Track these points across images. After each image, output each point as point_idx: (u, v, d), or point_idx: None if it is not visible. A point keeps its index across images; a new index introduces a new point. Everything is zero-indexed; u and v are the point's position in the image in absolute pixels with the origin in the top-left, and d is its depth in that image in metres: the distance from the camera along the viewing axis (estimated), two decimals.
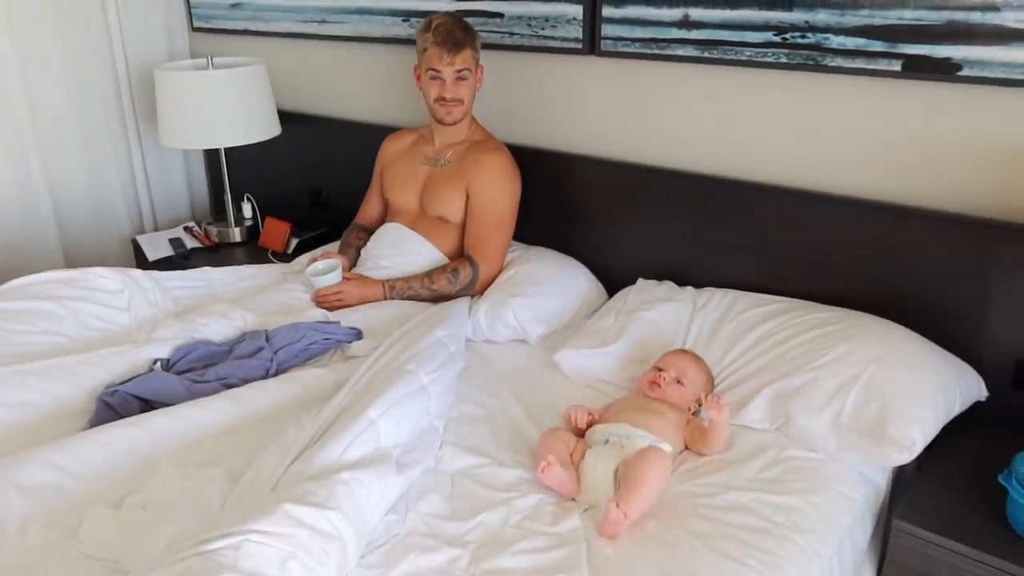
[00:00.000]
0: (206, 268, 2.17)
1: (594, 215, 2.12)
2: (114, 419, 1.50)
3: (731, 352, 1.70)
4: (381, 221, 2.25)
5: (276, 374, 1.67)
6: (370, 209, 2.32)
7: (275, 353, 1.69)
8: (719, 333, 1.75)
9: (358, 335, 1.81)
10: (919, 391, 1.44)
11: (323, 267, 2.08)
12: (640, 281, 2.00)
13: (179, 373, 1.66)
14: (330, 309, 2.00)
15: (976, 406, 1.60)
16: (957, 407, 1.51)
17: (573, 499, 1.38)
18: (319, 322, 1.81)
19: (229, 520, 1.14)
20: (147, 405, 1.57)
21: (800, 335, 1.64)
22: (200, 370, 1.67)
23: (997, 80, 1.49)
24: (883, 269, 1.70)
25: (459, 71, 1.96)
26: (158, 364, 1.68)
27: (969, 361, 1.62)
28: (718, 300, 1.84)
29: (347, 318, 1.88)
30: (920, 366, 1.49)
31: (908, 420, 1.39)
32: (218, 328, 1.82)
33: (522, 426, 1.59)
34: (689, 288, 1.94)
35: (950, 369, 1.54)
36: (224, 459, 1.39)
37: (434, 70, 1.97)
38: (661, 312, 1.84)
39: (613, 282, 2.08)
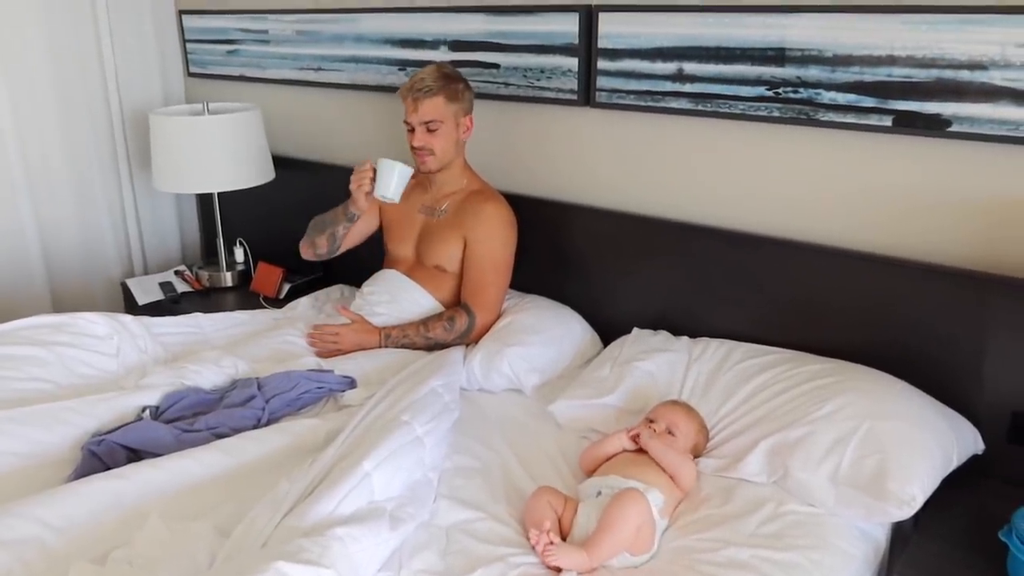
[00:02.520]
0: (197, 314, 2.16)
1: (590, 264, 2.12)
2: (100, 469, 1.47)
3: (727, 404, 1.69)
4: (360, 241, 2.24)
5: (268, 423, 1.65)
6: (355, 232, 2.20)
7: (267, 402, 1.67)
8: (715, 384, 1.75)
9: (351, 384, 1.79)
10: (917, 445, 1.43)
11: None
12: (635, 331, 2.00)
13: (168, 422, 1.63)
14: (325, 356, 1.98)
15: (973, 460, 1.59)
16: (955, 461, 1.50)
17: None
18: (312, 370, 1.79)
19: None
20: (134, 455, 1.54)
21: (796, 387, 1.63)
22: (190, 419, 1.64)
23: (986, 136, 1.52)
24: (878, 321, 1.71)
25: (426, 122, 1.96)
26: (147, 412, 1.66)
27: (965, 414, 1.62)
28: (713, 350, 1.84)
29: (340, 366, 1.86)
30: (917, 419, 1.49)
31: (907, 475, 1.38)
32: (209, 376, 1.80)
33: (517, 478, 1.57)
34: (685, 338, 1.94)
35: (947, 422, 1.53)
36: (213, 512, 1.36)
37: (406, 120, 1.99)
38: (657, 363, 1.83)
39: (608, 331, 2.08)
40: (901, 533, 1.54)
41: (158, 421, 1.63)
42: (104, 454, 1.52)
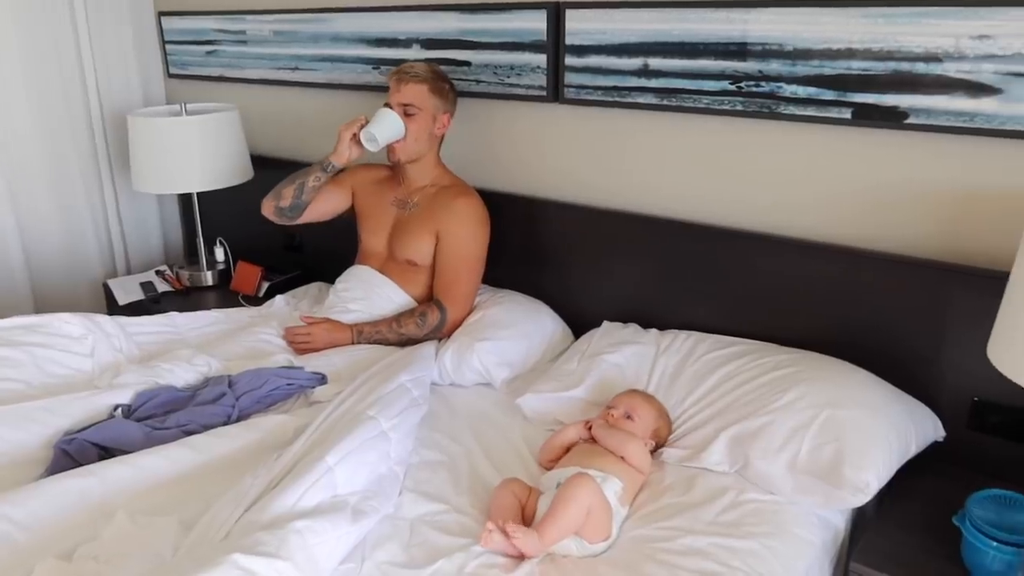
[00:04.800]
0: (172, 313, 2.17)
1: (561, 258, 2.14)
2: (72, 467, 1.48)
3: (692, 395, 1.71)
4: (324, 216, 2.22)
5: (238, 420, 1.66)
6: (322, 201, 2.18)
7: (237, 399, 1.69)
8: (681, 376, 1.77)
9: (322, 380, 1.81)
10: (873, 433, 1.45)
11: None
12: (605, 324, 2.02)
13: (140, 420, 1.65)
14: (297, 353, 2.00)
15: (934, 447, 1.62)
16: (913, 448, 1.52)
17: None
18: (283, 367, 1.81)
19: (178, 570, 1.13)
20: (106, 453, 1.56)
21: (759, 377, 1.65)
22: (161, 417, 1.66)
23: (942, 128, 1.53)
24: (842, 311, 1.73)
25: (405, 104, 1.99)
26: (119, 411, 1.67)
27: (926, 402, 1.64)
28: (681, 342, 1.86)
29: (312, 363, 1.88)
30: (875, 408, 1.50)
31: (862, 462, 1.40)
32: (182, 374, 1.81)
33: (483, 471, 1.59)
34: (653, 330, 1.95)
35: (906, 410, 1.55)
36: (179, 508, 1.37)
37: (387, 103, 2.02)
38: (625, 355, 1.85)
39: (581, 324, 2.10)
40: (864, 519, 1.56)
41: (130, 419, 1.65)
42: (75, 452, 1.54)
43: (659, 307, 2.00)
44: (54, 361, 1.86)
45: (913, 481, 1.57)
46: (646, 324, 2.00)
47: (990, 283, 1.49)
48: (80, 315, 1.97)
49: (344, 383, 1.79)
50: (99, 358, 1.91)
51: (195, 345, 2.04)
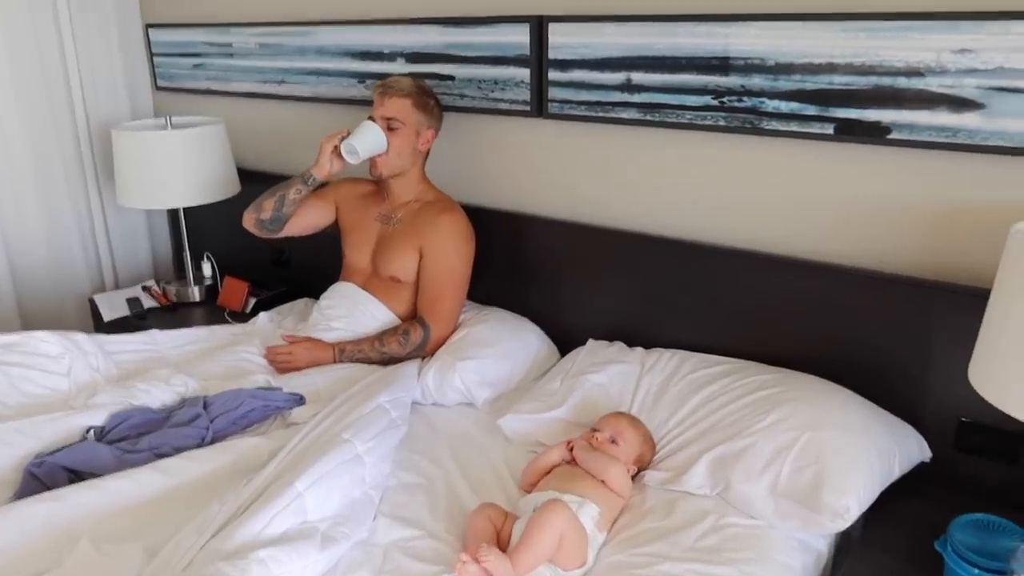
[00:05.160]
0: (153, 331, 2.15)
1: (548, 275, 2.12)
2: (41, 491, 1.46)
3: (676, 415, 1.68)
4: (307, 230, 2.20)
5: (212, 442, 1.64)
6: (304, 215, 2.15)
7: (212, 421, 1.66)
8: (665, 396, 1.74)
9: (300, 401, 1.78)
10: (855, 456, 1.42)
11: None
12: (590, 342, 1.99)
13: (113, 442, 1.63)
14: (279, 372, 1.98)
15: (921, 468, 1.59)
16: (897, 471, 1.49)
17: None
18: (260, 388, 1.78)
19: None
20: (76, 476, 1.53)
21: (743, 398, 1.62)
22: (134, 439, 1.63)
23: (925, 143, 1.51)
24: (826, 329, 1.70)
25: (388, 118, 1.98)
26: (91, 432, 1.65)
27: (913, 422, 1.61)
28: (666, 361, 1.83)
29: (292, 383, 1.85)
30: (857, 430, 1.47)
31: (842, 486, 1.37)
32: (158, 394, 1.79)
33: (461, 494, 1.56)
34: (639, 349, 1.93)
35: (890, 432, 1.52)
36: (147, 533, 1.35)
37: (370, 116, 2.00)
38: (608, 374, 1.82)
39: (568, 342, 2.07)
40: (849, 543, 1.53)
41: (102, 441, 1.63)
42: (45, 476, 1.51)
43: (645, 324, 1.97)
44: (30, 380, 1.84)
45: (899, 503, 1.54)
46: (633, 341, 1.98)
47: (975, 301, 1.46)
48: (58, 333, 1.95)
49: (323, 403, 1.77)
50: (76, 377, 1.89)
51: (175, 363, 2.02)
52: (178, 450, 1.59)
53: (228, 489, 1.44)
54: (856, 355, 1.67)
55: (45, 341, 1.93)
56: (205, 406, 1.70)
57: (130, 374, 1.95)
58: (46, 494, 1.41)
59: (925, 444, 1.59)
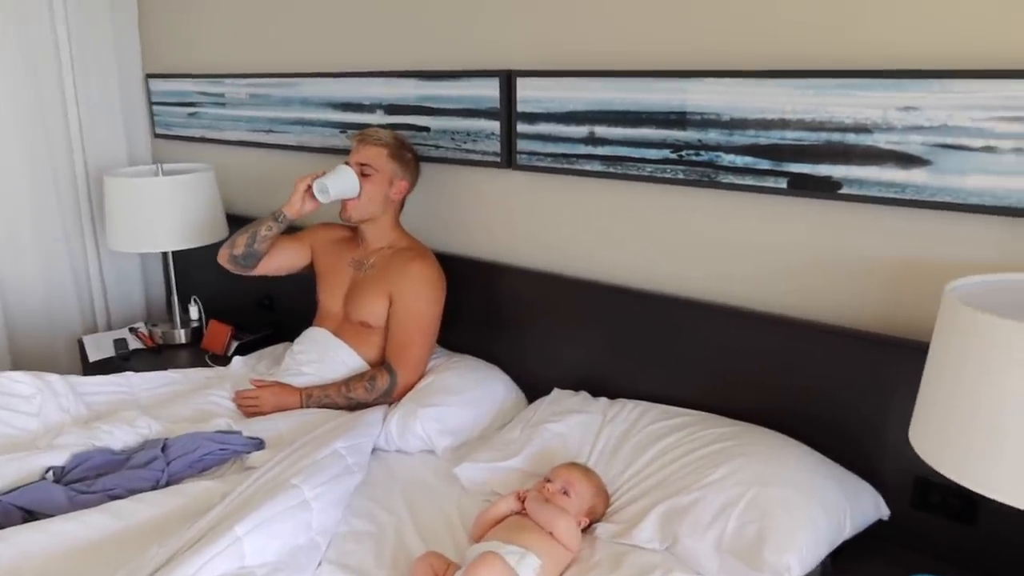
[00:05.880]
0: (128, 373, 2.18)
1: (518, 323, 2.13)
2: None
3: (631, 467, 1.67)
4: (281, 270, 2.24)
5: (167, 485, 1.65)
6: (278, 255, 2.20)
7: (169, 463, 1.67)
8: (623, 447, 1.73)
9: (259, 445, 1.79)
10: (800, 513, 1.39)
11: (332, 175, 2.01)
12: (555, 391, 1.99)
13: (71, 483, 1.64)
14: (246, 416, 2.00)
15: (881, 525, 1.56)
16: (849, 528, 1.46)
17: None
18: (219, 432, 1.79)
19: None
20: (31, 516, 1.55)
21: (697, 450, 1.61)
22: (92, 480, 1.65)
23: (875, 199, 1.52)
24: (785, 382, 1.69)
25: (363, 163, 2.03)
26: (50, 472, 1.67)
27: (871, 478, 1.58)
28: (628, 412, 1.82)
29: (254, 427, 1.87)
30: (806, 486, 1.45)
31: (785, 544, 1.35)
32: (121, 436, 1.81)
33: (409, 543, 1.55)
34: (603, 399, 1.92)
35: (842, 488, 1.50)
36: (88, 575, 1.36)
37: (346, 162, 2.05)
38: (569, 424, 1.82)
39: (537, 390, 2.07)
40: None
41: (61, 482, 1.64)
42: None
43: (612, 374, 1.97)
44: (0, 420, 1.86)
45: (858, 562, 1.51)
46: (600, 391, 1.97)
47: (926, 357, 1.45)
48: (31, 374, 1.98)
49: (284, 448, 1.77)
50: (45, 418, 1.91)
51: (146, 406, 2.05)
52: (132, 492, 1.60)
53: (175, 532, 1.45)
54: (815, 409, 1.66)
55: (18, 381, 1.96)
56: (164, 448, 1.72)
57: (100, 415, 1.97)
58: None
59: (882, 501, 1.56)
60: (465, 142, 2.13)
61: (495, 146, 2.07)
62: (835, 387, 1.63)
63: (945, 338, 1.18)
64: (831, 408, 1.64)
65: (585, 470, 1.63)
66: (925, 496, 1.54)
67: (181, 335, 2.77)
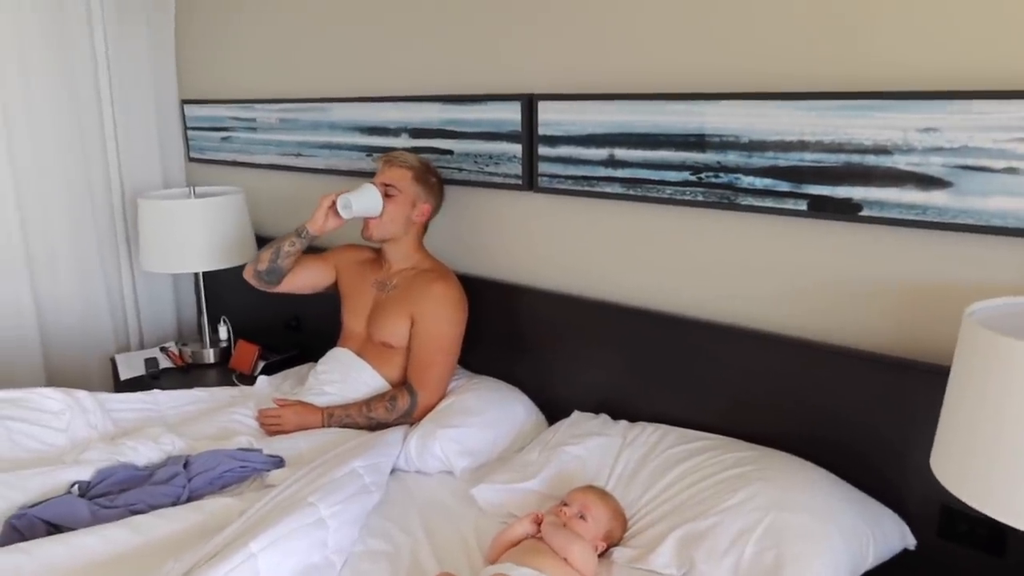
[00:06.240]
0: (155, 391, 2.22)
1: (539, 345, 2.13)
2: (18, 542, 1.50)
3: (650, 491, 1.65)
4: (305, 288, 2.27)
5: (188, 501, 1.67)
6: (302, 273, 2.24)
7: (190, 480, 1.70)
8: (642, 471, 1.71)
9: (279, 463, 1.81)
10: (819, 540, 1.37)
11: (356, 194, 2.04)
12: (575, 414, 1.98)
13: (95, 497, 1.67)
14: (268, 434, 2.02)
15: (907, 555, 1.52)
16: (871, 557, 1.43)
17: None
18: (240, 449, 1.82)
19: None
20: (55, 529, 1.58)
21: (717, 475, 1.59)
22: (114, 495, 1.68)
23: (895, 220, 1.50)
24: (806, 406, 1.67)
25: (387, 184, 2.06)
26: (75, 487, 1.70)
27: (896, 506, 1.55)
28: (648, 435, 1.81)
29: (275, 445, 1.89)
30: (826, 512, 1.43)
31: (802, 571, 1.32)
32: (145, 452, 1.84)
33: (424, 563, 1.55)
34: (623, 422, 1.91)
35: (863, 515, 1.46)
36: None
37: (371, 182, 2.09)
38: (588, 447, 1.81)
39: (558, 412, 2.07)
40: None
41: (86, 496, 1.67)
42: (24, 528, 1.56)
43: (631, 396, 1.96)
44: (29, 435, 1.91)
45: None
46: (620, 413, 1.96)
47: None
48: (61, 390, 2.03)
49: (302, 467, 1.79)
50: (73, 434, 1.95)
51: (172, 423, 2.08)
52: (153, 507, 1.62)
53: (193, 548, 1.46)
54: (836, 433, 1.63)
55: (48, 397, 2.01)
56: (185, 465, 1.74)
57: (126, 432, 2.01)
58: (13, 547, 1.45)
59: (907, 530, 1.52)
60: (487, 165, 2.15)
61: (517, 169, 2.08)
62: (856, 411, 1.60)
63: (966, 362, 1.15)
64: (852, 433, 1.61)
65: (602, 494, 1.61)
66: (952, 525, 1.50)
67: (210, 354, 2.82)
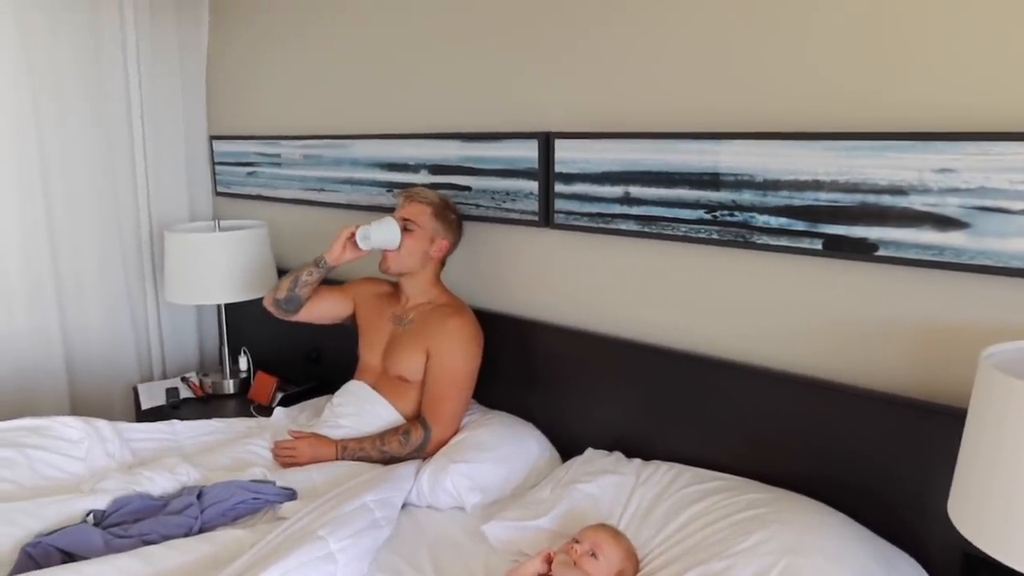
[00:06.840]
0: (174, 420, 2.24)
1: (554, 381, 2.13)
2: (33, 570, 1.52)
3: (663, 532, 1.63)
4: (324, 318, 2.30)
5: (200, 532, 1.68)
6: (320, 303, 2.28)
7: (203, 511, 1.70)
8: (655, 511, 1.69)
9: (291, 495, 1.81)
10: None
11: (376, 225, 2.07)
12: (589, 451, 1.97)
13: (110, 526, 1.69)
14: (282, 466, 2.03)
15: None
16: None
17: None
18: (253, 481, 1.82)
19: None
20: (69, 557, 1.59)
21: (731, 516, 1.57)
22: (129, 524, 1.69)
23: (911, 261, 1.49)
24: (822, 447, 1.64)
25: (406, 219, 2.09)
26: (91, 516, 1.71)
27: (916, 552, 1.51)
28: (661, 474, 1.79)
29: (288, 477, 1.89)
30: (841, 557, 1.39)
31: None
32: (161, 482, 1.85)
33: None
34: (637, 460, 1.89)
35: (878, 560, 1.43)
36: None
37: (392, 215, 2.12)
38: (601, 485, 1.79)
39: (572, 449, 2.05)
40: None
41: (101, 525, 1.69)
42: (39, 556, 1.57)
43: (645, 434, 1.94)
44: (48, 463, 1.93)
45: None
46: (634, 451, 1.95)
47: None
48: (81, 419, 2.06)
49: (314, 499, 1.79)
50: (92, 463, 1.98)
51: (189, 453, 2.10)
52: (166, 538, 1.63)
53: None
54: (852, 476, 1.60)
55: (69, 426, 2.04)
56: (199, 496, 1.75)
57: (143, 461, 2.03)
58: (30, 574, 1.46)
59: (925, 575, 1.48)
60: (504, 201, 2.17)
61: (533, 205, 2.10)
62: (873, 453, 1.57)
63: (982, 406, 1.14)
64: (869, 475, 1.58)
65: (614, 532, 1.59)
66: (974, 573, 1.46)
67: (230, 385, 2.84)
